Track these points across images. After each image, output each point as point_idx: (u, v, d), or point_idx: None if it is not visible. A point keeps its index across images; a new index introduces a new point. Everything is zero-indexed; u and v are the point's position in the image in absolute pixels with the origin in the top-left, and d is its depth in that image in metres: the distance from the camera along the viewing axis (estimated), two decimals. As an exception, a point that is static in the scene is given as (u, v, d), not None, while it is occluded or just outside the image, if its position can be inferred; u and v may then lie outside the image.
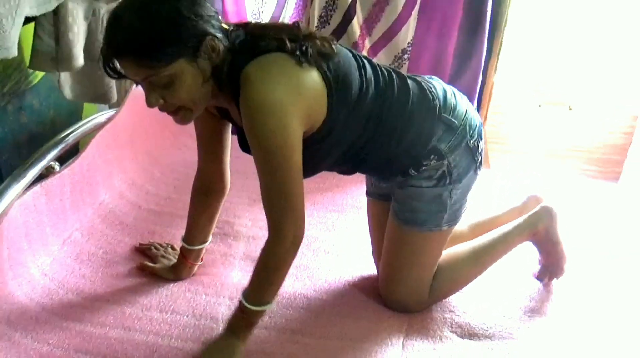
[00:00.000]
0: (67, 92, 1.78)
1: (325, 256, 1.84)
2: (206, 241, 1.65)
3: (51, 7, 1.53)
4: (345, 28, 2.45)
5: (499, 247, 1.65)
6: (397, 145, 1.45)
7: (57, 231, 1.68)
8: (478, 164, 1.55)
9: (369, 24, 2.45)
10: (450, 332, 1.54)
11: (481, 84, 2.43)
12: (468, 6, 2.32)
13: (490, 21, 2.32)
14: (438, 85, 1.52)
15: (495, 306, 1.65)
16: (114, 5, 1.82)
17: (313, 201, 2.14)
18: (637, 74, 2.59)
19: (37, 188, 1.58)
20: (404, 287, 1.58)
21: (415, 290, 1.58)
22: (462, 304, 1.64)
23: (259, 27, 1.34)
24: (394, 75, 1.46)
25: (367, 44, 2.48)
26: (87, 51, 1.72)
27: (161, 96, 1.23)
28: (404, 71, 2.43)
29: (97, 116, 2.04)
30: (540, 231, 1.68)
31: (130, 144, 2.16)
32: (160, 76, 1.19)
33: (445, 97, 1.50)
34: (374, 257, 1.75)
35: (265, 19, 2.49)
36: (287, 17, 2.50)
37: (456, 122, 1.48)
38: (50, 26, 1.58)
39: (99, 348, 1.36)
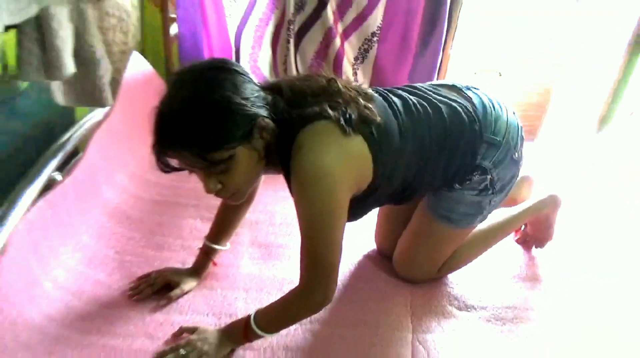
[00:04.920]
0: (60, 98, 1.54)
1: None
2: (230, 238, 1.52)
3: (32, 12, 1.27)
4: (320, 14, 2.24)
5: (507, 229, 1.56)
6: (444, 173, 1.32)
7: (65, 240, 1.47)
8: (520, 169, 1.41)
9: (341, 9, 2.24)
10: (450, 305, 1.46)
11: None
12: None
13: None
14: (476, 99, 1.34)
15: (486, 277, 1.57)
16: (102, 5, 1.54)
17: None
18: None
19: (41, 203, 1.36)
20: (419, 269, 1.49)
21: (429, 269, 1.50)
22: (455, 277, 1.56)
23: (294, 90, 1.18)
24: (427, 107, 1.29)
25: (340, 28, 2.27)
26: (76, 55, 1.47)
27: (219, 181, 1.11)
28: (373, 53, 2.29)
29: (93, 115, 1.79)
30: (541, 215, 1.60)
31: (128, 138, 1.91)
32: (218, 165, 1.06)
33: (484, 113, 1.32)
34: (377, 241, 1.64)
35: (242, 5, 2.22)
36: (265, 3, 2.24)
37: (498, 139, 1.32)
38: (34, 33, 1.32)
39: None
